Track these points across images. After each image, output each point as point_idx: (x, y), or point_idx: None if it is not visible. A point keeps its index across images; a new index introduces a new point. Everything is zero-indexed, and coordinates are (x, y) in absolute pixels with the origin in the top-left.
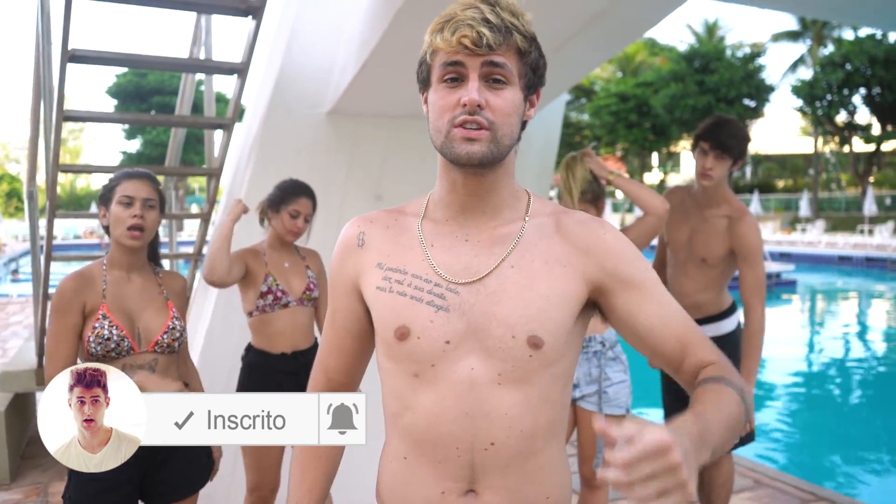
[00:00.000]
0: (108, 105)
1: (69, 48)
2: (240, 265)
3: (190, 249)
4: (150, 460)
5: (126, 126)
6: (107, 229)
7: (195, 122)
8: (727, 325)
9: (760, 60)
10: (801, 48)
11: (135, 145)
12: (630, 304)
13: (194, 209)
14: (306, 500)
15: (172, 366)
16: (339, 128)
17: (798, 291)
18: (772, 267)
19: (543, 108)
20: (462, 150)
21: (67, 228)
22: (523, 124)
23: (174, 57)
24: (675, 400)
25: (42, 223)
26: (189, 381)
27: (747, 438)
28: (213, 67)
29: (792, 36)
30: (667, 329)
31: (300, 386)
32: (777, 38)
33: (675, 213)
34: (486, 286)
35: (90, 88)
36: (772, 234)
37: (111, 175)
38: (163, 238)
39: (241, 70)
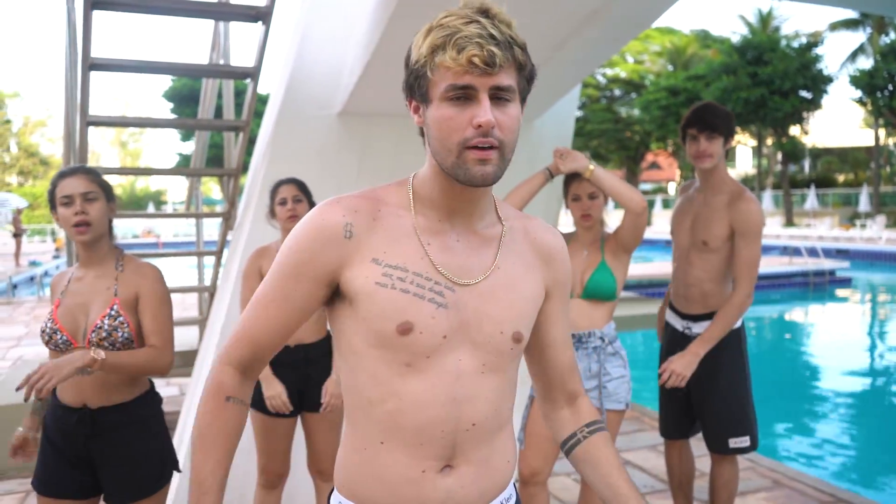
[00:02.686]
0: (165, 108)
1: (90, 57)
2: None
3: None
4: (92, 458)
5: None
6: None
7: (210, 125)
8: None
9: (817, 50)
10: (860, 37)
11: (190, 147)
12: (554, 311)
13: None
14: (209, 482)
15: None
16: (350, 128)
17: (853, 289)
18: (825, 264)
19: (554, 105)
20: (477, 171)
21: (126, 228)
22: None
23: (188, 63)
24: (669, 400)
25: None
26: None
27: (751, 447)
28: (225, 72)
29: (851, 24)
30: (565, 346)
31: (298, 376)
32: (835, 27)
33: (682, 206)
34: (480, 287)
35: (150, 93)
36: (829, 230)
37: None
38: (190, 237)
39: (252, 74)
